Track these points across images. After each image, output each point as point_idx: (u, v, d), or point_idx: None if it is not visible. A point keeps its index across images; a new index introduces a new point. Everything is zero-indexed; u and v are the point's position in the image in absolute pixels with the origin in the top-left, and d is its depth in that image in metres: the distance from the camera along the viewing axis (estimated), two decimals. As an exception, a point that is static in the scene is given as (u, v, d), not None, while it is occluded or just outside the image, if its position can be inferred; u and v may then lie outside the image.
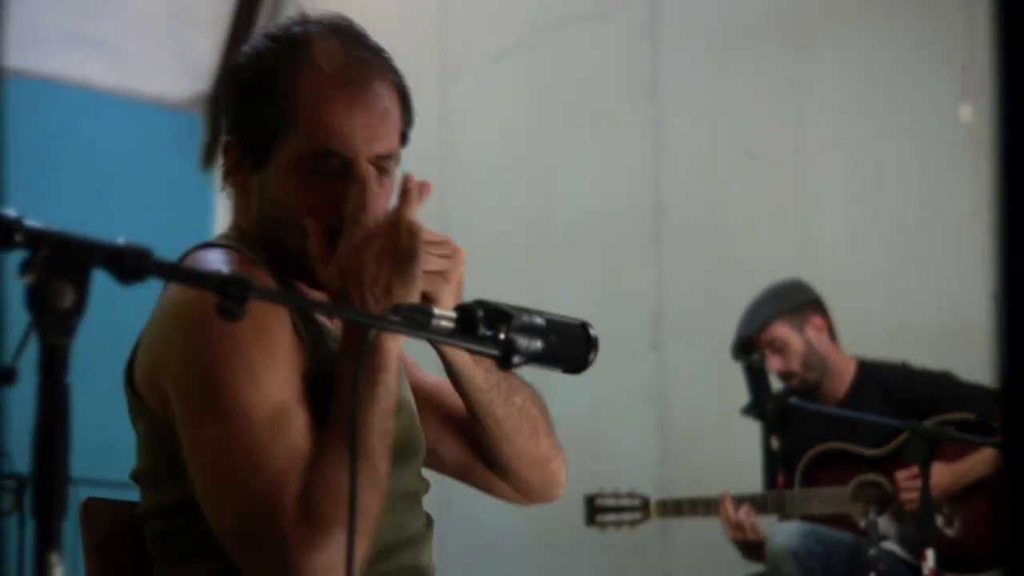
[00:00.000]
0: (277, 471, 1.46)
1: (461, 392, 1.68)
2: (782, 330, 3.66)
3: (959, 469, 3.44)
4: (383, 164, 1.61)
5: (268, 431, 1.47)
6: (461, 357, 1.62)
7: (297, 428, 1.50)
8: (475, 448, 1.78)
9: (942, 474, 3.39)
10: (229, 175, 1.67)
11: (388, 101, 1.63)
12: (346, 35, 1.65)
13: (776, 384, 3.68)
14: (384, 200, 1.60)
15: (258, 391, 1.49)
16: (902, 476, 3.48)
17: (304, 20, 1.67)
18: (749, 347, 3.71)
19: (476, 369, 1.64)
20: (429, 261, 1.54)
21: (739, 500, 3.57)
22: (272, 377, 1.50)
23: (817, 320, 3.69)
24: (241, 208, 1.69)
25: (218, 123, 6.41)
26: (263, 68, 1.63)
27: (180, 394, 1.53)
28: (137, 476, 1.66)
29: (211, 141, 6.39)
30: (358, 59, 1.63)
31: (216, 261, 1.59)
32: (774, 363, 3.66)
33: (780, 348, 3.65)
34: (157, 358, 1.56)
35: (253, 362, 1.50)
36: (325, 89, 1.60)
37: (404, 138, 1.67)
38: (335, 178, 1.58)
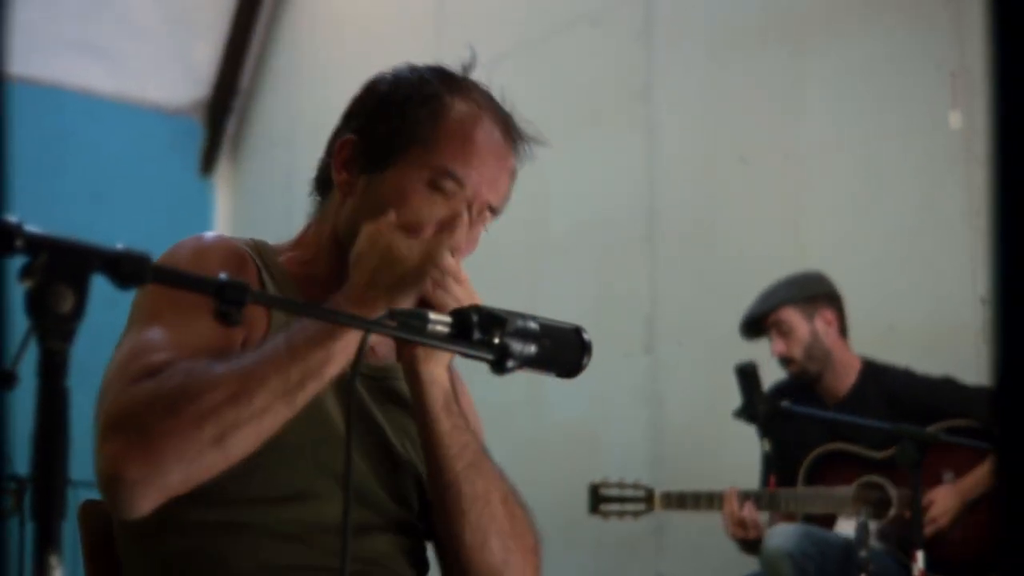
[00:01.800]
0: (155, 360, 1.47)
1: (421, 424, 1.64)
2: (790, 315, 3.68)
3: (964, 488, 3.45)
4: (485, 214, 1.67)
5: (177, 331, 1.51)
6: (433, 395, 1.61)
7: (209, 338, 1.50)
8: (438, 535, 1.69)
9: (949, 498, 3.41)
10: (338, 170, 1.69)
11: (511, 168, 1.72)
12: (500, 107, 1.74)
13: (770, 378, 3.69)
14: (468, 245, 1.66)
15: (185, 307, 1.51)
16: (907, 515, 3.49)
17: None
18: (757, 325, 3.74)
19: (444, 416, 1.62)
20: (453, 290, 1.56)
21: (744, 496, 3.58)
22: (191, 317, 1.51)
23: (828, 314, 3.71)
24: (328, 211, 1.71)
25: (217, 128, 6.43)
26: (423, 84, 1.69)
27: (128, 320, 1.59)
28: None
29: (209, 146, 6.42)
30: (509, 123, 1.73)
31: (202, 239, 1.65)
32: (777, 346, 3.68)
33: (785, 332, 3.68)
34: None
35: (179, 302, 1.52)
36: (477, 124, 1.68)
37: (499, 212, 1.72)
38: (444, 200, 1.63)
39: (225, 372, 1.44)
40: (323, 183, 1.74)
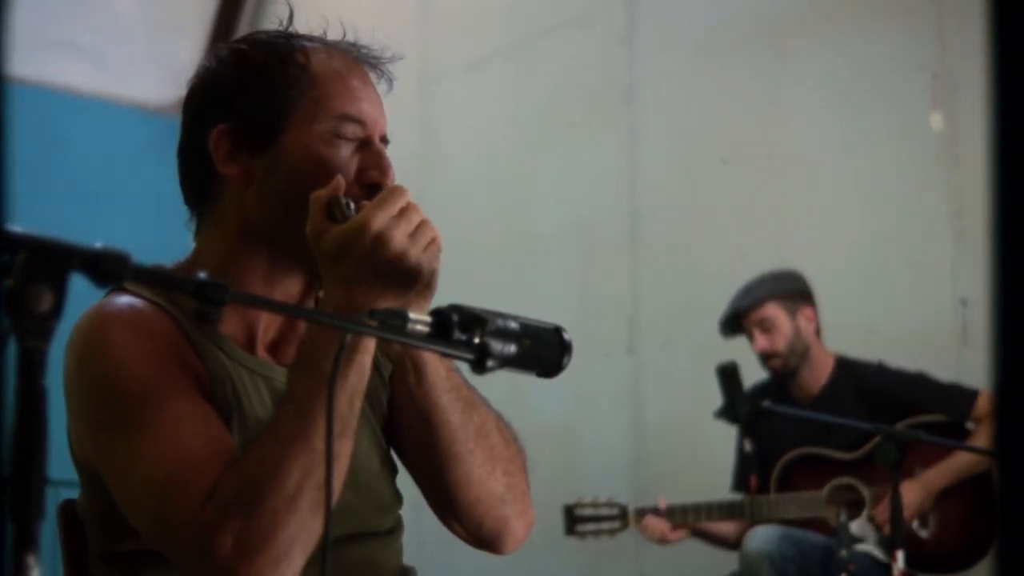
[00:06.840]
0: (187, 466, 1.43)
1: (421, 389, 1.60)
2: (775, 311, 3.70)
3: (928, 480, 3.47)
4: (382, 145, 1.63)
5: (174, 430, 1.45)
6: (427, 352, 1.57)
7: (202, 422, 1.48)
8: (432, 475, 1.66)
9: (913, 491, 3.43)
10: (225, 164, 1.60)
11: (380, 95, 1.68)
12: (343, 41, 1.69)
13: (750, 378, 3.70)
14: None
15: (158, 396, 1.47)
16: (878, 511, 3.52)
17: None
18: (738, 321, 3.75)
19: (440, 365, 1.59)
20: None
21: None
22: (169, 378, 1.49)
23: (808, 311, 3.75)
24: (226, 213, 1.62)
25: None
26: (271, 48, 1.63)
27: (88, 419, 1.52)
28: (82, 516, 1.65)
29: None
30: (360, 50, 1.69)
31: (114, 304, 1.55)
32: (760, 342, 3.70)
33: (768, 327, 3.70)
34: (69, 410, 1.55)
35: (148, 370, 1.48)
36: (341, 64, 1.64)
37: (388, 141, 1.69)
38: (352, 146, 1.59)
39: (267, 441, 1.42)
40: (203, 190, 1.65)
